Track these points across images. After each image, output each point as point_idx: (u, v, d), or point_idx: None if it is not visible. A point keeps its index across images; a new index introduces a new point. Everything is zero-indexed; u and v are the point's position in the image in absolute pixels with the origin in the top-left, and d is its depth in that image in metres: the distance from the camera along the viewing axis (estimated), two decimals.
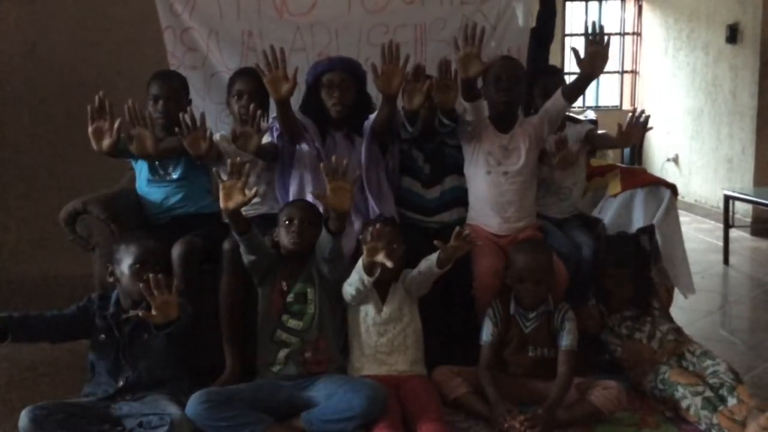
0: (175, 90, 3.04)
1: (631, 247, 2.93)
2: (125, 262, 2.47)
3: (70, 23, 4.23)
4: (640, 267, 2.90)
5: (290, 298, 2.61)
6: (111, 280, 2.53)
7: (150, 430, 2.25)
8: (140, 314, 2.28)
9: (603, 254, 2.87)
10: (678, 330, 2.83)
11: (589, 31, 2.73)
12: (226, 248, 2.76)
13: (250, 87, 3.01)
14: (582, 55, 2.74)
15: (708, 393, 2.46)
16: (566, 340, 2.59)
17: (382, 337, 2.62)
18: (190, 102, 3.14)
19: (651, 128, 2.91)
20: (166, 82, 3.04)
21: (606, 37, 2.73)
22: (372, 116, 3.00)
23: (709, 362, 2.62)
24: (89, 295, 2.59)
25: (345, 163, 2.48)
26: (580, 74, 2.81)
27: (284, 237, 2.63)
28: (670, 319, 2.92)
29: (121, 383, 2.44)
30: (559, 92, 2.88)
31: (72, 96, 4.25)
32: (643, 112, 2.91)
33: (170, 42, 3.53)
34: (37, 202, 4.21)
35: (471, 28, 2.70)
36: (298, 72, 2.75)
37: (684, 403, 2.49)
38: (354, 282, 2.56)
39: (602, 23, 2.80)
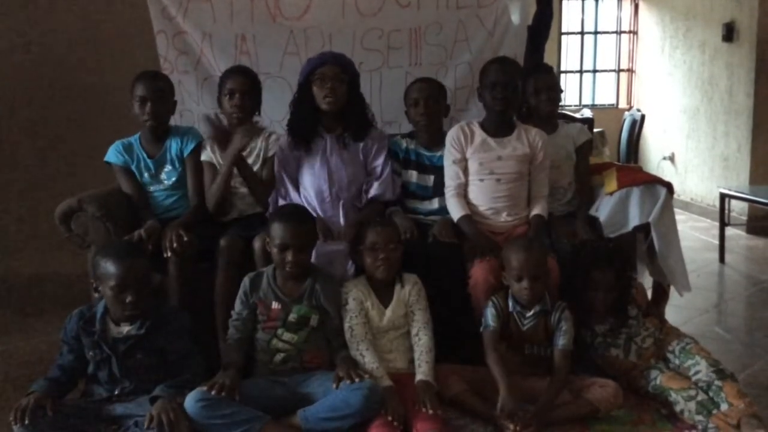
0: (161, 91, 3.00)
1: (610, 247, 2.81)
2: (107, 283, 2.36)
3: (68, 23, 4.23)
4: (621, 269, 2.73)
5: (292, 318, 2.53)
6: (96, 295, 2.45)
7: (146, 430, 2.24)
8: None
9: (582, 256, 2.76)
10: (656, 331, 2.74)
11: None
12: (222, 246, 2.76)
13: (242, 85, 3.00)
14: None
15: (701, 396, 2.45)
16: (562, 340, 2.58)
17: (382, 339, 2.61)
18: (175, 103, 3.13)
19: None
20: (152, 82, 2.98)
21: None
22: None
23: (690, 362, 2.59)
24: (64, 326, 2.45)
25: None
26: None
27: (278, 262, 2.54)
28: (655, 315, 2.86)
29: (117, 392, 2.41)
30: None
31: (69, 96, 4.26)
32: None
33: (163, 46, 3.51)
34: (33, 201, 4.21)
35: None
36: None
37: (677, 408, 2.48)
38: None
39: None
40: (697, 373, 2.54)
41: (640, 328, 2.73)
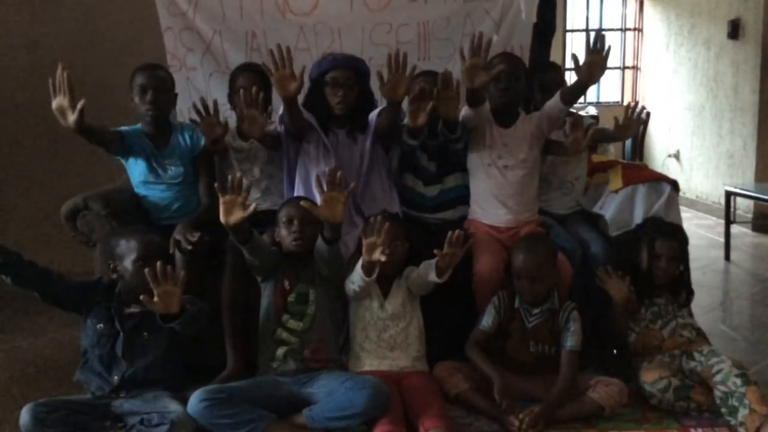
0: (162, 80, 2.97)
1: (674, 225, 2.87)
2: (128, 258, 2.44)
3: (71, 23, 4.23)
4: (684, 242, 2.79)
5: (291, 298, 2.59)
6: (114, 276, 2.49)
7: (151, 427, 2.25)
8: (141, 298, 2.24)
9: (646, 230, 2.82)
10: (697, 330, 2.75)
11: (591, 39, 2.67)
12: (229, 245, 2.75)
13: (254, 82, 3.00)
14: (581, 62, 2.69)
15: (675, 383, 2.50)
16: (570, 341, 2.57)
17: (384, 333, 2.62)
18: (176, 96, 3.12)
19: (647, 118, 2.92)
20: (153, 72, 2.94)
21: (606, 47, 2.67)
22: (375, 113, 2.99)
23: (714, 360, 2.54)
24: (99, 278, 2.58)
25: (339, 174, 2.43)
26: (577, 80, 2.75)
27: (285, 237, 2.62)
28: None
29: (116, 378, 2.41)
30: (557, 95, 2.85)
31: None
32: (637, 104, 2.94)
33: (170, 43, 3.52)
34: (37, 201, 4.22)
35: (477, 38, 2.68)
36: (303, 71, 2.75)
37: (653, 401, 2.52)
38: (356, 280, 2.55)
39: (603, 33, 2.74)
40: (719, 372, 2.49)
41: (688, 317, 2.77)
